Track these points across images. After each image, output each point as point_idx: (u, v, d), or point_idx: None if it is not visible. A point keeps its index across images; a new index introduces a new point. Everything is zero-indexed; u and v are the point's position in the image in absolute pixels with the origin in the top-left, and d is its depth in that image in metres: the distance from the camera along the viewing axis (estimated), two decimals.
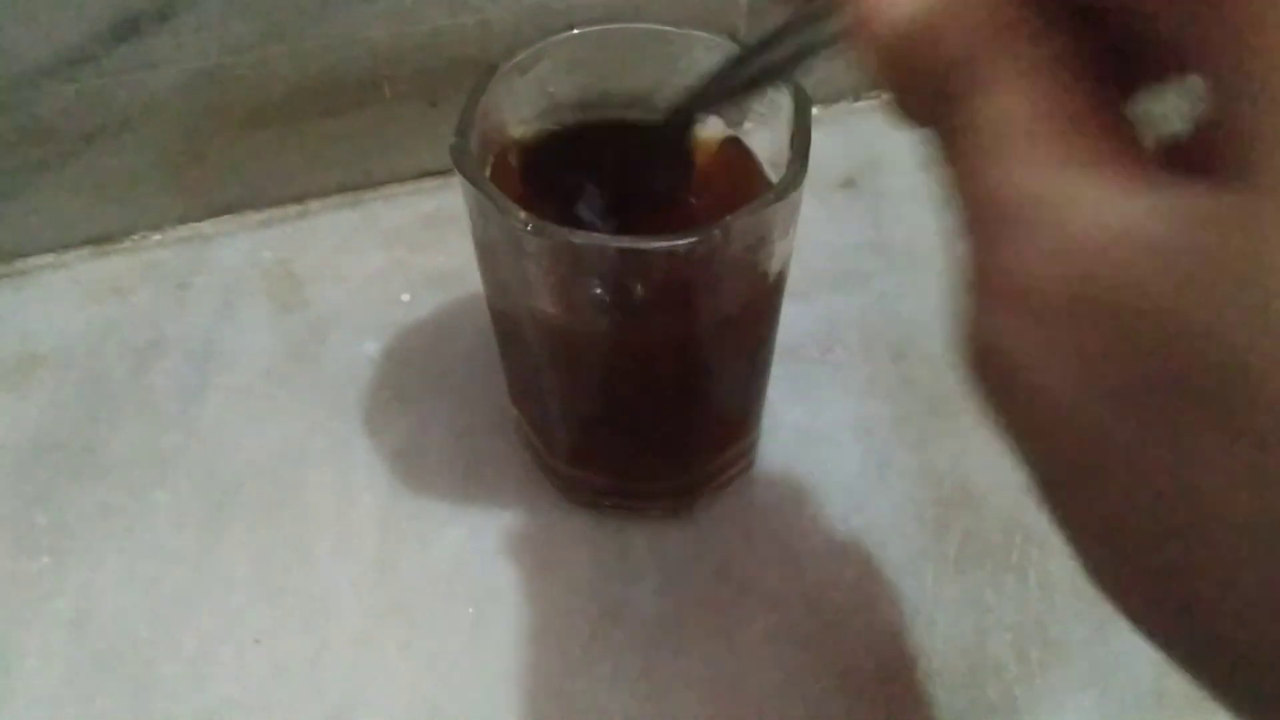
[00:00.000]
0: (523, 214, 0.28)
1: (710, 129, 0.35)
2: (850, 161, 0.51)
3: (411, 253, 0.48)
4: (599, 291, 0.29)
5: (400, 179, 0.51)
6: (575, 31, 0.33)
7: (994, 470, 0.39)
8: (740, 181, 0.34)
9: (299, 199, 0.50)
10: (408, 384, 0.43)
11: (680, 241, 0.27)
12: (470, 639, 0.36)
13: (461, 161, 0.29)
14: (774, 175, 0.34)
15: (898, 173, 0.51)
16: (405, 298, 0.46)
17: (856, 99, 0.55)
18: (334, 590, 0.37)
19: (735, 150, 0.34)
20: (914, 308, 0.45)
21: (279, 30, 0.44)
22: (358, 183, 0.50)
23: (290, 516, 0.39)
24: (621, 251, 0.27)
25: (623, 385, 0.34)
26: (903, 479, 0.39)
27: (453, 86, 0.47)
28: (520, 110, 0.33)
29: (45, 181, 0.45)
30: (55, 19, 0.40)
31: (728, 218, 0.27)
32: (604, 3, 0.46)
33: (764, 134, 0.34)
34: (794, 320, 0.40)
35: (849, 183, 0.50)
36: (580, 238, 0.27)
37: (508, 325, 0.34)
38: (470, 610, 0.36)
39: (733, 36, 0.32)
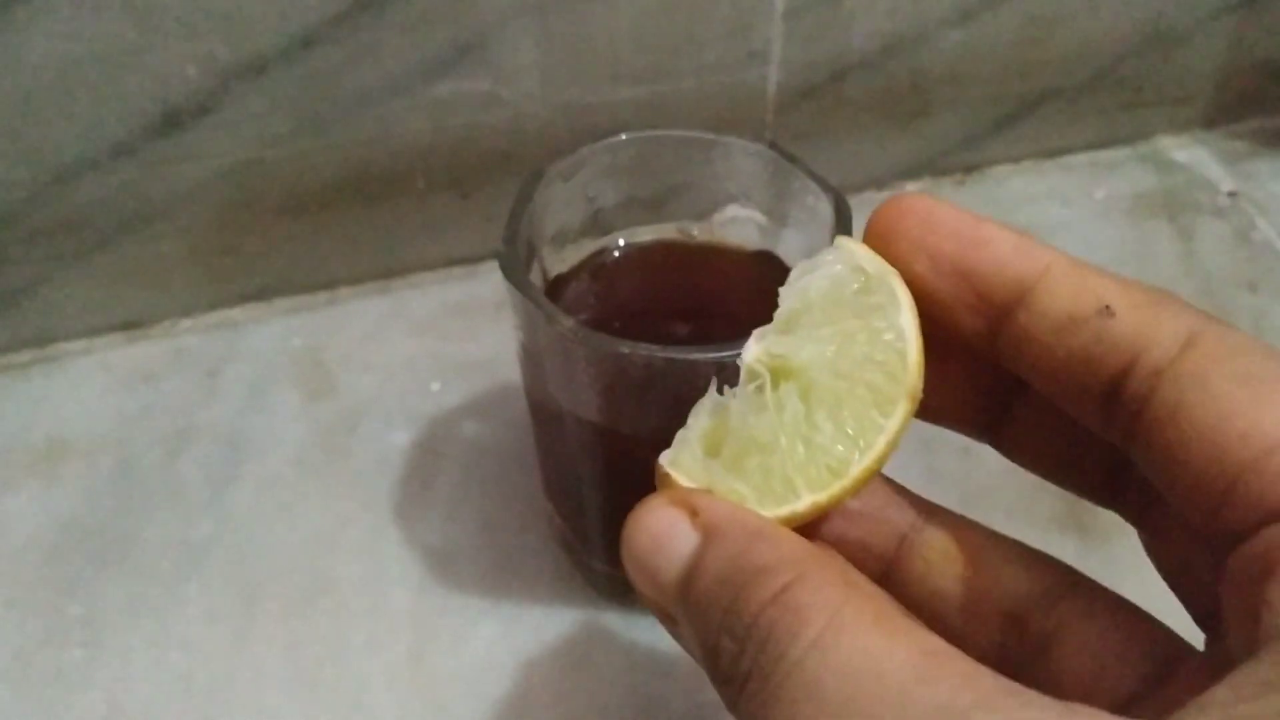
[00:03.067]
0: (569, 321, 0.28)
1: (745, 241, 0.36)
2: None
3: (441, 341, 0.48)
4: (644, 399, 0.29)
5: (430, 267, 0.51)
6: (623, 137, 0.33)
7: None
8: (776, 289, 0.34)
9: (329, 286, 0.50)
10: (438, 475, 0.43)
11: (729, 353, 0.27)
12: None
13: (510, 269, 0.29)
14: None
15: None
16: (435, 387, 0.46)
17: (880, 189, 0.55)
18: (367, 686, 0.37)
19: (768, 262, 0.35)
20: None
21: (316, 124, 0.44)
22: (387, 270, 0.51)
23: (322, 610, 0.39)
24: (670, 362, 0.27)
25: None
26: None
27: (484, 178, 0.48)
28: (561, 215, 0.34)
29: (79, 268, 0.46)
30: (100, 114, 0.41)
31: None
32: (632, 100, 0.47)
33: (799, 238, 0.34)
34: None
35: None
36: (628, 347, 0.28)
37: (548, 425, 0.35)
38: (504, 708, 0.36)
39: (772, 145, 0.33)
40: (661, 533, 0.21)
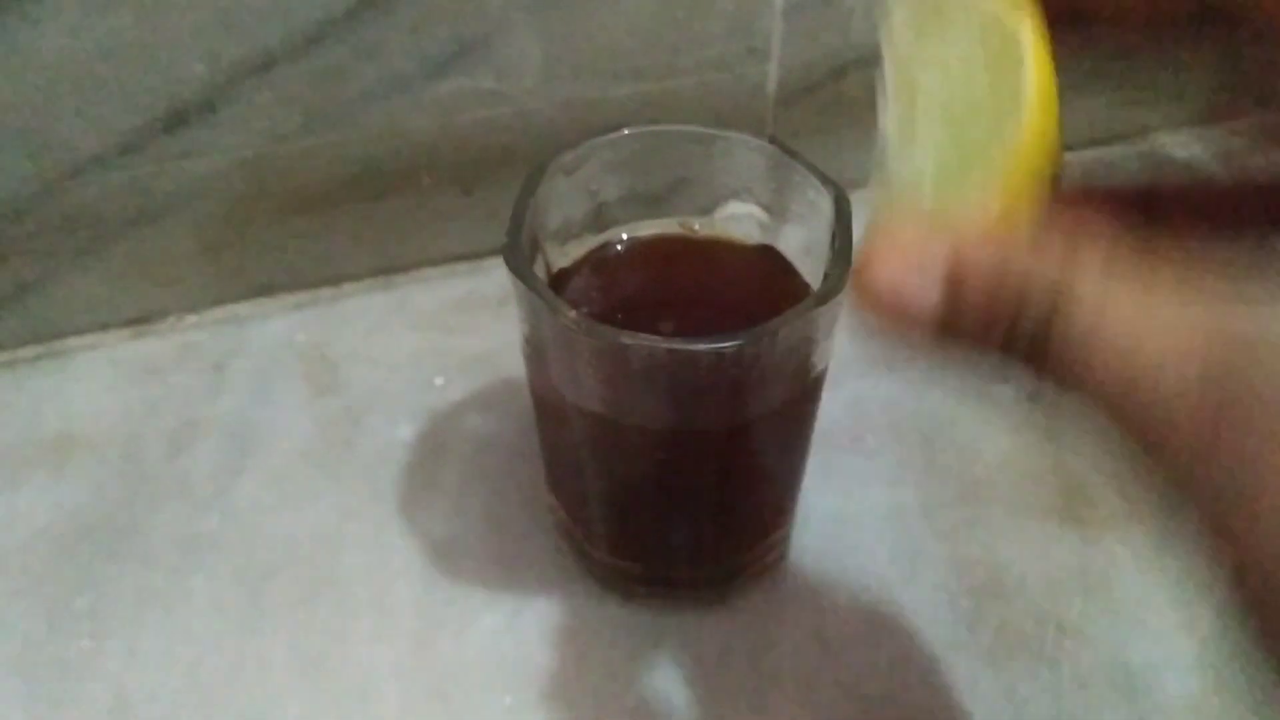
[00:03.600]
0: (573, 313, 0.29)
1: (747, 235, 0.36)
2: None
3: (444, 336, 0.48)
4: (646, 389, 0.30)
5: (434, 263, 0.51)
6: (626, 132, 0.34)
7: (1026, 560, 0.40)
8: (777, 283, 0.34)
9: (333, 281, 0.51)
10: (442, 469, 0.43)
11: (729, 344, 0.27)
12: None
13: (514, 261, 0.30)
14: (806, 270, 0.35)
15: None
16: (439, 381, 0.46)
17: None
18: (372, 675, 0.37)
19: (770, 256, 0.35)
20: (942, 394, 0.46)
21: (322, 121, 0.45)
22: (392, 266, 0.51)
23: (327, 601, 0.39)
24: (671, 352, 0.28)
25: (664, 477, 0.34)
26: (934, 568, 0.40)
27: (488, 175, 0.48)
28: (564, 209, 0.34)
29: (86, 264, 0.46)
30: (109, 111, 0.42)
31: (775, 321, 0.28)
32: (633, 96, 0.47)
33: (800, 233, 0.34)
34: (824, 407, 0.41)
35: None
36: (630, 338, 0.28)
37: (551, 417, 0.35)
38: (508, 699, 0.36)
39: (773, 140, 0.33)
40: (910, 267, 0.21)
